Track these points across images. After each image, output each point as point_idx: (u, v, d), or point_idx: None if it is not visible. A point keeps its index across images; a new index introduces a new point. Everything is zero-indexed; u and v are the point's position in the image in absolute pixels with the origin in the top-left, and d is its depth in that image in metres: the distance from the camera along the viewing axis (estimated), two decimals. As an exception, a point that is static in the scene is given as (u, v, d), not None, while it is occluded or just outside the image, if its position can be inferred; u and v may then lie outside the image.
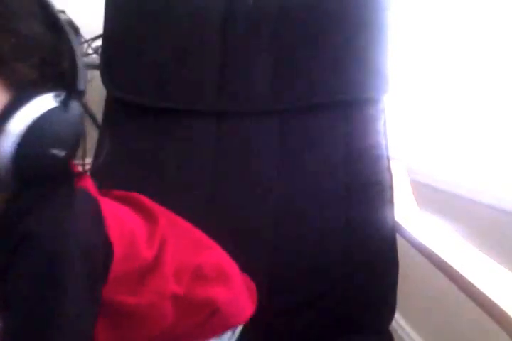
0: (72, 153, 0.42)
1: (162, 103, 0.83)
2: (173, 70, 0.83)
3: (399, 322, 1.28)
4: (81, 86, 0.40)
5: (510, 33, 0.92)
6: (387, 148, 0.84)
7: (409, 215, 0.82)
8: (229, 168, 0.82)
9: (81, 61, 0.40)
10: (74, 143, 0.41)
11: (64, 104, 0.39)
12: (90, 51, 1.22)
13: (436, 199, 1.05)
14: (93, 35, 1.13)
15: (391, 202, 0.81)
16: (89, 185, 0.49)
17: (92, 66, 1.05)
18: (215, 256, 0.64)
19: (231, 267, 0.66)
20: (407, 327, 1.27)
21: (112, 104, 0.85)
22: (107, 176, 0.84)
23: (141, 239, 0.53)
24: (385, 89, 0.84)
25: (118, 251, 0.46)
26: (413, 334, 1.24)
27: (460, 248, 0.68)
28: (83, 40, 1.30)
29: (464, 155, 1.05)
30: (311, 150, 0.83)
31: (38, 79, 0.39)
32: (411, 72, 1.17)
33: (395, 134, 0.87)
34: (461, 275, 0.59)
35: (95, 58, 1.17)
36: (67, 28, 0.40)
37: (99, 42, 0.91)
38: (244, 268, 0.71)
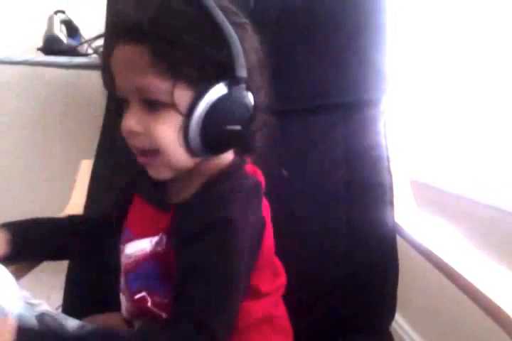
0: (246, 128, 0.53)
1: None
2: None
3: (399, 322, 1.28)
4: (240, 73, 0.50)
5: (510, 33, 0.92)
6: (387, 149, 0.84)
7: (409, 216, 0.82)
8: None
9: (237, 52, 0.50)
10: (245, 118, 0.53)
11: (229, 90, 0.51)
12: (90, 51, 1.22)
13: (436, 200, 1.05)
14: (93, 35, 1.13)
15: (391, 202, 0.81)
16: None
17: (92, 66, 1.05)
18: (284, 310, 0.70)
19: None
20: (407, 327, 1.27)
21: (113, 104, 0.85)
22: (107, 177, 0.85)
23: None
24: (384, 90, 0.84)
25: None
26: (413, 334, 1.24)
27: (460, 248, 0.68)
28: (83, 40, 1.30)
29: (463, 156, 1.05)
30: (311, 150, 0.83)
31: (207, 75, 0.50)
32: (410, 73, 1.17)
33: (395, 135, 0.87)
34: (460, 276, 0.59)
35: (95, 58, 1.17)
36: (225, 25, 0.49)
37: (99, 42, 0.91)
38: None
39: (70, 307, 0.79)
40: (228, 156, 0.58)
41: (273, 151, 0.62)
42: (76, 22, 1.35)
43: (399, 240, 0.80)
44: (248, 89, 0.53)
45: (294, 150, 0.83)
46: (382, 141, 0.84)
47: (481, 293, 0.54)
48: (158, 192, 0.59)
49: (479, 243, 0.69)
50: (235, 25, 0.51)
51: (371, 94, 0.84)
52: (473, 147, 1.02)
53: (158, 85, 0.49)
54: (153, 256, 0.54)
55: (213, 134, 0.51)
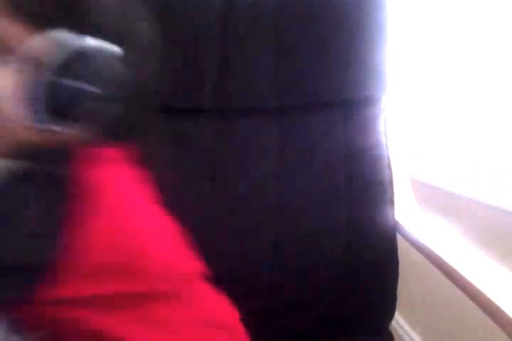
0: (105, 94, 0.41)
1: (162, 102, 0.82)
2: (172, 69, 0.83)
3: (398, 321, 1.28)
4: (95, 20, 0.41)
5: (510, 32, 0.92)
6: (387, 148, 0.83)
7: (409, 214, 0.82)
8: (229, 167, 0.82)
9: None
10: (103, 81, 0.41)
11: (89, 45, 0.40)
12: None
13: (436, 199, 1.05)
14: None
15: (391, 201, 0.81)
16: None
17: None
18: None
19: None
20: (407, 327, 1.27)
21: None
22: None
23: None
24: (384, 88, 0.83)
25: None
26: (412, 333, 1.24)
27: (459, 247, 0.68)
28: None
29: (464, 155, 1.05)
30: (311, 149, 0.82)
31: (57, 21, 0.40)
32: (411, 71, 1.16)
33: (396, 133, 0.87)
34: (460, 275, 0.59)
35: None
36: None
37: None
38: (245, 268, 0.71)
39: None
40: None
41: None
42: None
43: (399, 238, 0.80)
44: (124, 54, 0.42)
45: (295, 148, 0.83)
46: (383, 140, 0.84)
47: (479, 292, 0.54)
48: None
49: (479, 242, 0.69)
50: None
51: (372, 92, 0.83)
52: (474, 146, 1.02)
53: None
54: None
55: (60, 91, 0.39)
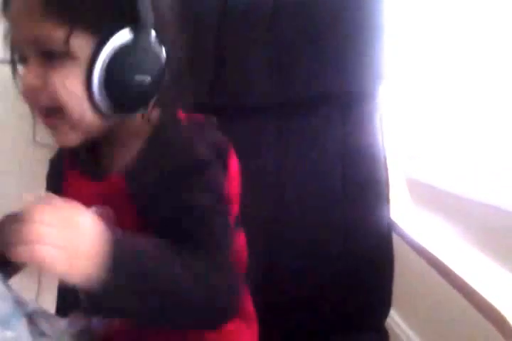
0: (157, 80, 0.49)
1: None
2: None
3: (395, 319, 1.28)
4: (144, 17, 0.46)
5: (509, 30, 0.92)
6: (383, 146, 0.84)
7: (404, 213, 0.82)
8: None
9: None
10: (156, 70, 0.48)
11: (135, 37, 0.46)
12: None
13: (432, 198, 1.05)
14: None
15: (387, 200, 0.81)
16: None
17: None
18: None
19: None
20: (403, 325, 1.27)
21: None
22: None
23: None
24: (382, 87, 0.83)
25: None
26: (409, 331, 1.24)
27: (454, 246, 0.68)
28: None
29: (461, 154, 1.04)
30: (309, 148, 0.82)
31: (107, 21, 0.46)
32: (409, 69, 1.16)
33: (392, 132, 0.87)
34: (455, 274, 0.59)
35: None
36: None
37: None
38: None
39: (63, 307, 0.78)
40: (155, 115, 0.53)
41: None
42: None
43: (394, 237, 0.80)
44: (159, 40, 0.48)
45: (294, 147, 0.83)
46: (379, 139, 0.84)
47: (475, 291, 0.54)
48: (92, 162, 0.55)
49: (475, 241, 0.69)
50: None
51: (369, 89, 0.83)
52: (472, 145, 1.02)
53: (52, 33, 0.44)
54: None
55: (119, 86, 0.46)
